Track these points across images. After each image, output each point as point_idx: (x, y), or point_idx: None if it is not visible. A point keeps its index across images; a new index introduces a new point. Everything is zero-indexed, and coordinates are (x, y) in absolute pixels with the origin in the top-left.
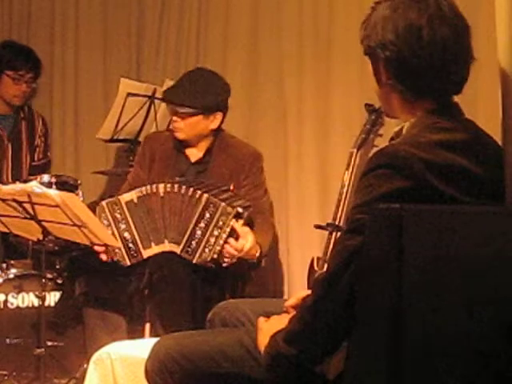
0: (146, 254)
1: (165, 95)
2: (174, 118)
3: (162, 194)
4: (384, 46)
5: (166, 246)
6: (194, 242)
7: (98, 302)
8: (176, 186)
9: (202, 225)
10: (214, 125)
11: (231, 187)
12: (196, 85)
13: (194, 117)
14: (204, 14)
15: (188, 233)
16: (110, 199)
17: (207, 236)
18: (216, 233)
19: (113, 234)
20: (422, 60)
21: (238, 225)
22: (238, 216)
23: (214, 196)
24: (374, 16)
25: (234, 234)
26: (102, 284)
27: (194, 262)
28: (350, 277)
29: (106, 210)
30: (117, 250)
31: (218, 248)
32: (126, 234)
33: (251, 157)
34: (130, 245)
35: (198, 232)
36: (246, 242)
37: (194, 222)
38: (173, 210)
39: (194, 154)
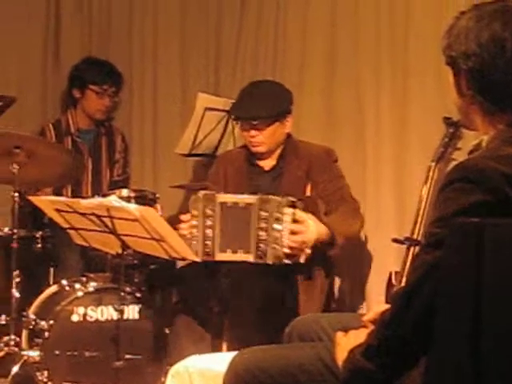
0: (219, 256)
1: (237, 114)
2: (252, 133)
3: (241, 206)
4: (466, 56)
5: (239, 256)
6: (262, 245)
7: (189, 312)
8: (234, 196)
9: (263, 225)
10: (288, 128)
11: (308, 189)
12: (263, 95)
13: (272, 125)
14: (281, 28)
15: (255, 238)
16: (208, 192)
17: (271, 233)
18: (277, 227)
19: (196, 226)
20: (505, 73)
21: (295, 213)
22: (292, 206)
23: (262, 196)
24: (457, 26)
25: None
26: (192, 297)
27: (271, 262)
28: (430, 291)
29: (200, 202)
30: (194, 243)
31: (285, 240)
32: (208, 231)
33: (323, 153)
34: (208, 242)
35: (262, 233)
36: (304, 233)
37: (255, 225)
38: (239, 218)
39: (267, 163)
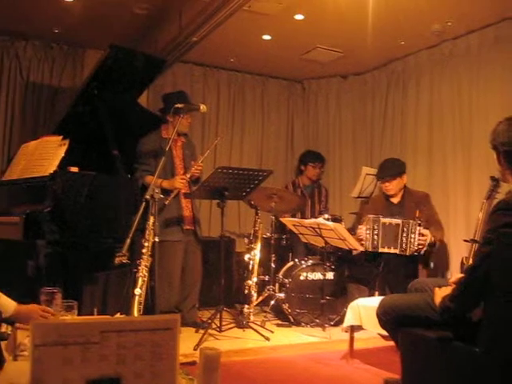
0: (380, 249)
1: (378, 176)
2: (386, 184)
3: (393, 224)
4: (502, 144)
5: (391, 250)
6: (404, 245)
7: (356, 279)
8: (388, 219)
9: (405, 234)
10: (404, 181)
11: (417, 213)
12: (391, 165)
13: (396, 179)
14: (403, 137)
15: (400, 241)
16: (375, 217)
17: (409, 239)
18: (412, 236)
19: (368, 234)
20: None
21: (420, 229)
22: (419, 225)
23: (404, 220)
24: (497, 128)
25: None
26: (358, 270)
27: (408, 254)
28: (484, 267)
29: (371, 221)
30: (366, 242)
31: (416, 243)
32: (375, 237)
33: (425, 196)
34: (375, 242)
35: (404, 239)
36: (427, 237)
37: (400, 233)
38: (391, 231)
39: (395, 200)
